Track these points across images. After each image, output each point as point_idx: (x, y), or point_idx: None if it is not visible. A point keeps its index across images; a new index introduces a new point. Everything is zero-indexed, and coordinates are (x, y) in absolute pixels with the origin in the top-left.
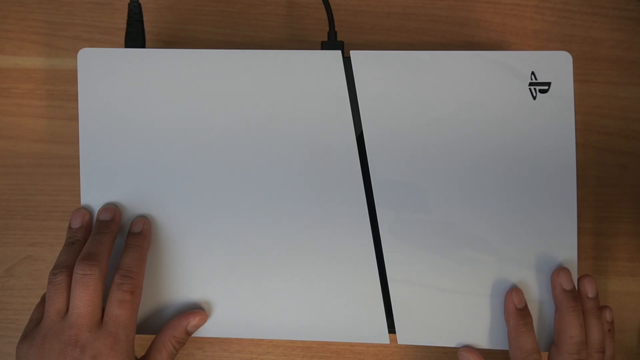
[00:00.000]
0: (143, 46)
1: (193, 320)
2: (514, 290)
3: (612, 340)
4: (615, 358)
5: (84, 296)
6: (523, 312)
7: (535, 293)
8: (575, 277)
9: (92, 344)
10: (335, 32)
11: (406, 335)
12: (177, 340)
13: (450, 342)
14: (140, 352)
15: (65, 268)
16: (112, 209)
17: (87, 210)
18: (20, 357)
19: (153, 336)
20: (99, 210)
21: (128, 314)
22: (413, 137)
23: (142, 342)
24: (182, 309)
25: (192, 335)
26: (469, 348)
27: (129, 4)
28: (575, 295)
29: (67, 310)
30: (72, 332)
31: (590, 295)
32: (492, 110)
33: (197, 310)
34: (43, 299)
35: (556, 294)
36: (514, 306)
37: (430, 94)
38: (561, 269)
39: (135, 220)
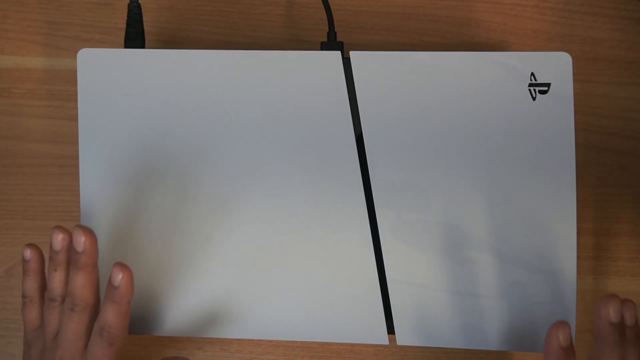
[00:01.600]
0: (143, 46)
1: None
2: (561, 326)
3: None
4: None
5: (70, 327)
6: (567, 352)
7: (535, 293)
8: (575, 277)
9: None
10: (335, 33)
11: (405, 336)
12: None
13: (450, 343)
14: (141, 353)
15: (59, 297)
16: (82, 240)
17: (66, 232)
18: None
19: (154, 336)
20: (73, 235)
21: (106, 358)
22: (412, 137)
23: (144, 342)
24: (182, 309)
25: (192, 335)
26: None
27: (129, 4)
28: (622, 328)
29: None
30: (58, 355)
31: (629, 324)
32: (492, 111)
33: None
34: (26, 306)
35: (601, 325)
36: (558, 345)
37: (430, 95)
38: (611, 299)
39: (114, 273)
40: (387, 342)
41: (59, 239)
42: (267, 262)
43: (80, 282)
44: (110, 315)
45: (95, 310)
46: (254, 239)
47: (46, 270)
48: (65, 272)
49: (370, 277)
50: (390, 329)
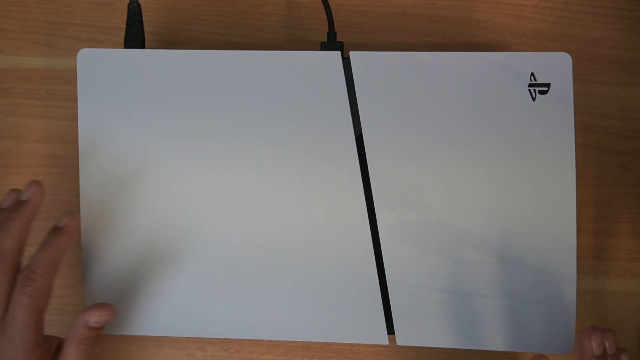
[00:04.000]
0: (143, 46)
1: (93, 317)
2: (594, 333)
3: None
4: None
5: None
6: None
7: (535, 293)
8: (575, 277)
9: None
10: (335, 33)
11: (405, 336)
12: (81, 337)
13: (449, 343)
14: (141, 353)
15: None
16: (34, 186)
17: (19, 191)
18: None
19: (153, 336)
20: (25, 186)
21: (25, 317)
22: (412, 138)
23: (143, 342)
24: (182, 308)
25: (193, 335)
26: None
27: (129, 5)
28: (604, 357)
29: None
30: None
31: (610, 353)
32: (492, 111)
33: (101, 304)
34: None
35: (585, 358)
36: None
37: (430, 95)
38: (593, 333)
39: (61, 215)
40: (387, 342)
41: (10, 196)
42: (267, 262)
43: (13, 232)
44: (42, 255)
45: (15, 277)
46: (253, 239)
47: None
48: None
49: (370, 277)
50: (390, 329)
